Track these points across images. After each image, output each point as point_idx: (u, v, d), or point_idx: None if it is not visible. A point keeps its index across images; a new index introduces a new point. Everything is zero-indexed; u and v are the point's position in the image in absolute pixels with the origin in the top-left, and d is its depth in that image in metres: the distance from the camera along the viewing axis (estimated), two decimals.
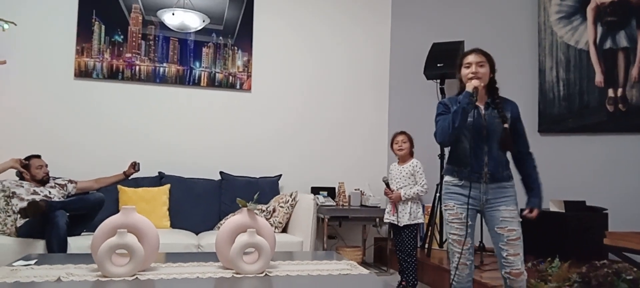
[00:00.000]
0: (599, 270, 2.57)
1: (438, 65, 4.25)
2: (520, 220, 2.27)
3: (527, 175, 2.38)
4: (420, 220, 3.40)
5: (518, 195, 2.34)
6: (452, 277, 2.32)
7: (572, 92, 4.02)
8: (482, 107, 2.33)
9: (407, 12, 4.92)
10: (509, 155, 2.37)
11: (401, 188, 3.39)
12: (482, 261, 3.58)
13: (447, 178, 2.39)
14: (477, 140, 2.30)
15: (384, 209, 3.64)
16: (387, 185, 3.47)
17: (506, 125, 2.25)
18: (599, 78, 3.91)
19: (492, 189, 2.29)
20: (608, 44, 3.88)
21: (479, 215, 2.37)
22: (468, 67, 2.31)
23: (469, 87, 2.26)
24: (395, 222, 3.41)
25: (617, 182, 3.71)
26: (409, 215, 3.35)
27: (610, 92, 3.85)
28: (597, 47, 3.93)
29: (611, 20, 3.87)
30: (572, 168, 3.94)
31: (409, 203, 3.37)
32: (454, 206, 2.31)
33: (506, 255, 2.21)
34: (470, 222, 2.29)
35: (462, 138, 2.33)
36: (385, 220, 3.56)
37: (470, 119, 2.27)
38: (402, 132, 3.53)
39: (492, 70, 2.34)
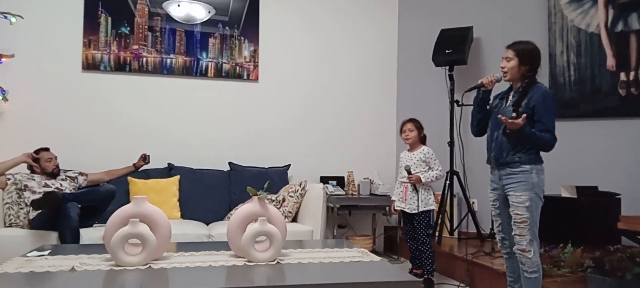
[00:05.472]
0: (613, 255, 2.55)
1: (446, 51, 4.22)
2: (528, 204, 2.39)
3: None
4: (432, 207, 3.38)
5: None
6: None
7: (583, 76, 3.97)
8: (510, 96, 2.55)
9: None
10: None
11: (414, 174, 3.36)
12: (494, 248, 3.57)
13: None
14: (493, 128, 2.57)
15: (394, 198, 3.60)
16: (409, 171, 3.36)
17: (514, 114, 2.36)
18: (610, 62, 3.84)
19: (504, 175, 2.49)
20: (620, 27, 3.81)
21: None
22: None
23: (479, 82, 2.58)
24: (406, 209, 3.41)
25: (630, 167, 3.67)
26: (419, 202, 3.33)
27: (622, 76, 3.79)
28: (608, 30, 3.86)
29: (623, 2, 3.79)
30: (584, 153, 3.89)
31: (420, 190, 3.35)
32: (490, 188, 2.63)
33: (513, 234, 2.46)
34: (497, 204, 2.58)
35: (488, 126, 2.64)
36: (396, 207, 3.53)
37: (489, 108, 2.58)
38: (410, 120, 3.51)
39: (524, 63, 2.49)
